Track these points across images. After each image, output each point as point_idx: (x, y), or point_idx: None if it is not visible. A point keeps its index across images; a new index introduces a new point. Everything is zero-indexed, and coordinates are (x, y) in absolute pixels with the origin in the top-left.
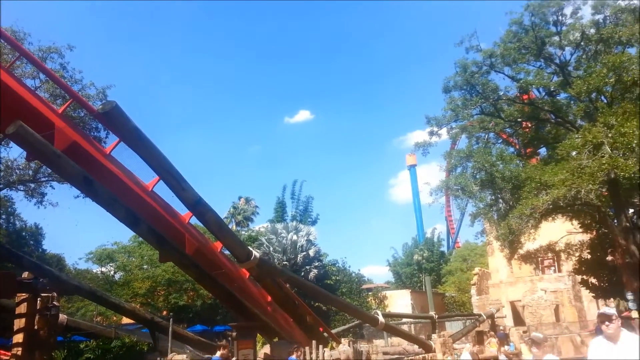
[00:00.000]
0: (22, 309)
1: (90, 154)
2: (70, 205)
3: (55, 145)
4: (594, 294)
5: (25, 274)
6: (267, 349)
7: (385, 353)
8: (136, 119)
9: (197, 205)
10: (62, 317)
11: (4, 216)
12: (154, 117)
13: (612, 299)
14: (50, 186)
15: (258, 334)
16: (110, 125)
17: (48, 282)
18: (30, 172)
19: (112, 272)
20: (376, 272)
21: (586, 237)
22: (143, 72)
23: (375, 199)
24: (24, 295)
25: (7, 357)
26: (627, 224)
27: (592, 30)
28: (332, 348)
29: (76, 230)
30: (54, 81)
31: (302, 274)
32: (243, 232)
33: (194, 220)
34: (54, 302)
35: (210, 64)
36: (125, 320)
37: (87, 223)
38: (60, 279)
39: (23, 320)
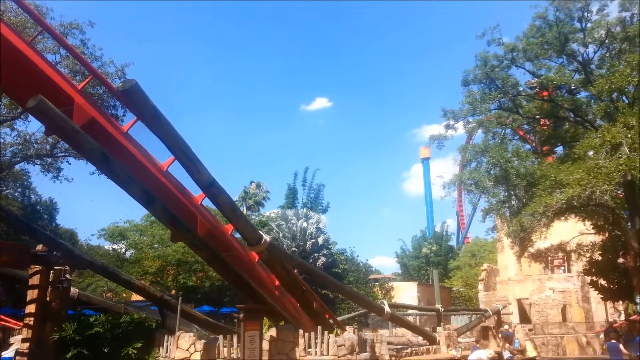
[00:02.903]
0: (35, 280)
1: (107, 131)
2: (86, 182)
3: (74, 121)
4: (602, 296)
5: (39, 247)
6: (273, 332)
7: (389, 343)
8: (154, 98)
9: (211, 187)
10: (74, 290)
11: (19, 189)
12: (171, 98)
13: (620, 302)
14: (67, 162)
15: (265, 317)
16: (129, 103)
17: (61, 256)
18: (48, 147)
19: (123, 250)
20: (384, 263)
21: (598, 238)
22: (163, 53)
23: (387, 191)
24: (37, 268)
25: (20, 327)
26: None
27: (618, 28)
28: (337, 335)
29: (90, 207)
30: (74, 57)
31: (311, 261)
32: (254, 217)
33: (207, 202)
34: (67, 276)
35: (230, 49)
36: (135, 297)
37: (101, 200)
38: (73, 254)
39: (36, 291)
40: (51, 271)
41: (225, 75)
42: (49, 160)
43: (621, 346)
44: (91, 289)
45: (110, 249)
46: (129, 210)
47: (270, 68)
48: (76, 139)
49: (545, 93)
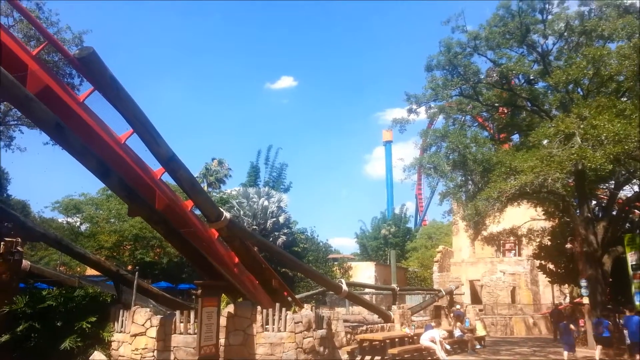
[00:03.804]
0: None
1: (62, 100)
2: (39, 152)
3: (27, 88)
4: (550, 279)
5: None
6: (231, 308)
7: (345, 320)
8: (112, 68)
9: (170, 162)
10: (25, 262)
11: None
12: (129, 68)
13: (567, 285)
14: (20, 130)
15: (223, 294)
16: (86, 72)
17: (13, 227)
18: None
19: (78, 223)
20: (343, 244)
21: (548, 224)
22: (122, 20)
23: (349, 172)
24: None
25: None
26: (589, 215)
27: (577, 22)
28: (294, 312)
29: (43, 178)
30: (29, 21)
31: (271, 239)
32: (214, 194)
33: (166, 177)
34: (18, 248)
35: (195, 16)
36: (90, 272)
37: (55, 171)
38: (25, 225)
39: None
40: (2, 243)
41: (189, 44)
42: (0, 128)
43: (572, 326)
44: (44, 262)
45: (65, 222)
46: (85, 183)
47: (237, 42)
48: (29, 106)
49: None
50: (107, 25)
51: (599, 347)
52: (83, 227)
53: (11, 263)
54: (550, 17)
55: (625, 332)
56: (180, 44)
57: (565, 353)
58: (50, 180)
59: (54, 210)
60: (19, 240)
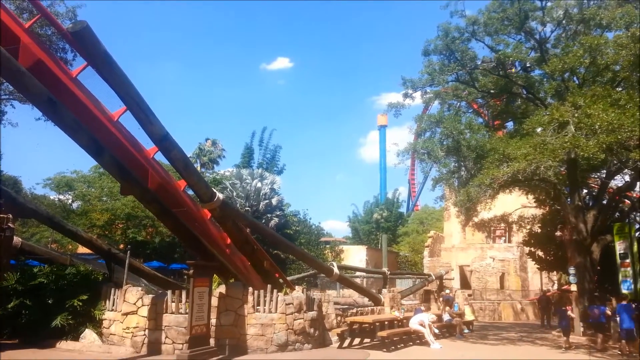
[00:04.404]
0: None
1: (55, 74)
2: (31, 127)
3: (19, 62)
4: (539, 266)
5: None
6: (222, 289)
7: (336, 303)
8: (106, 43)
9: (164, 141)
10: (17, 239)
11: None
12: (126, 46)
13: (555, 272)
14: (11, 105)
15: (214, 274)
16: (79, 46)
17: (3, 203)
18: None
19: (69, 201)
20: (336, 227)
21: (539, 212)
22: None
23: (343, 156)
24: None
25: None
26: (579, 203)
27: (576, 10)
28: (286, 294)
29: (35, 154)
30: None
31: (264, 221)
32: (208, 175)
33: (159, 157)
34: (9, 224)
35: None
36: (82, 250)
37: (47, 148)
38: (16, 201)
39: None
40: None
41: (184, 25)
42: None
43: (569, 312)
44: (35, 239)
45: (56, 199)
46: (77, 160)
47: (232, 22)
48: (21, 80)
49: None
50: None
51: (599, 334)
52: (75, 205)
53: (2, 239)
54: (549, 4)
55: (617, 319)
56: (175, 24)
57: (564, 338)
58: (42, 157)
59: (46, 187)
60: (10, 216)
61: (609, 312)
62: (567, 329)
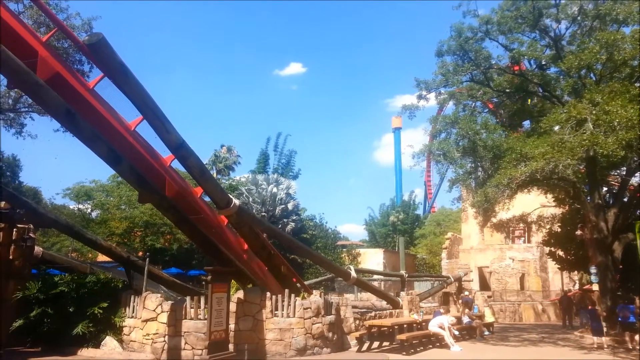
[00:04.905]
0: None
1: (73, 86)
2: (50, 139)
3: (38, 75)
4: (559, 266)
5: (2, 204)
6: (240, 294)
7: (354, 306)
8: (122, 54)
9: (180, 149)
10: (38, 249)
11: None
12: (140, 56)
13: (576, 272)
14: (30, 117)
15: (232, 280)
16: (95, 58)
17: (25, 214)
18: (10, 101)
19: (89, 210)
20: (352, 231)
21: (559, 211)
22: (132, 8)
23: (358, 159)
24: (0, 225)
25: None
26: (600, 201)
27: (590, 6)
28: (303, 298)
29: (54, 165)
30: (38, 7)
31: (280, 226)
32: (224, 181)
33: (176, 164)
34: (30, 234)
35: (204, 6)
36: (101, 258)
37: (66, 158)
38: (37, 212)
39: None
40: (14, 229)
41: (198, 33)
42: (12, 115)
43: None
44: (56, 248)
45: (76, 208)
46: (95, 170)
47: (245, 29)
48: (40, 93)
49: (516, 67)
50: (116, 12)
51: (627, 332)
52: (94, 214)
53: (24, 249)
54: (563, 1)
55: None
56: (189, 31)
57: (595, 338)
58: (61, 167)
59: (65, 197)
60: (31, 226)
61: (638, 311)
62: (600, 329)
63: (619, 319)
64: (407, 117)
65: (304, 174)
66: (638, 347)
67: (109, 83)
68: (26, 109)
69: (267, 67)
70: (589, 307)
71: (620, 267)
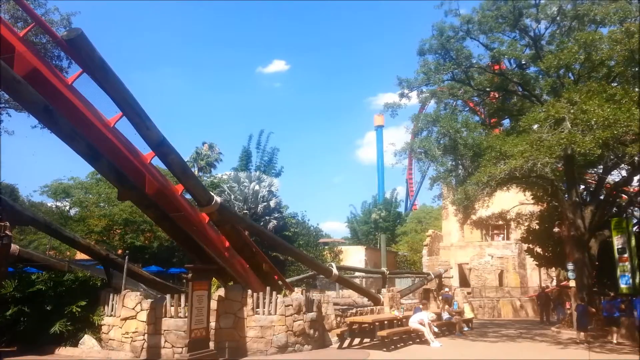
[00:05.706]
0: None
1: (51, 82)
2: (28, 135)
3: (15, 70)
4: (537, 263)
5: None
6: (221, 291)
7: (335, 303)
8: (101, 50)
9: (161, 146)
10: (14, 247)
11: None
12: (121, 53)
13: (553, 269)
14: (7, 113)
15: (213, 278)
16: (74, 54)
17: (1, 211)
18: None
19: (67, 207)
20: (334, 228)
21: (537, 208)
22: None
23: (340, 157)
24: None
25: None
26: (577, 199)
27: (569, 6)
28: (285, 295)
29: (32, 162)
30: (15, 1)
31: (262, 223)
32: (205, 178)
33: (156, 161)
34: (7, 232)
35: (185, 5)
36: (80, 256)
37: (43, 155)
38: (14, 209)
39: None
40: None
41: (180, 30)
42: None
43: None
44: (33, 246)
45: (54, 206)
46: (74, 167)
47: (228, 26)
48: (17, 89)
49: (496, 67)
50: (96, 8)
51: (613, 327)
52: (72, 211)
53: (0, 247)
54: (543, 1)
55: (635, 313)
56: (170, 27)
57: (582, 334)
58: (39, 164)
59: (43, 194)
60: (8, 224)
61: (623, 306)
62: (586, 325)
63: (604, 314)
64: (390, 115)
65: (286, 172)
66: (622, 342)
67: (88, 79)
68: (3, 105)
69: (250, 64)
70: (579, 303)
71: (597, 263)
